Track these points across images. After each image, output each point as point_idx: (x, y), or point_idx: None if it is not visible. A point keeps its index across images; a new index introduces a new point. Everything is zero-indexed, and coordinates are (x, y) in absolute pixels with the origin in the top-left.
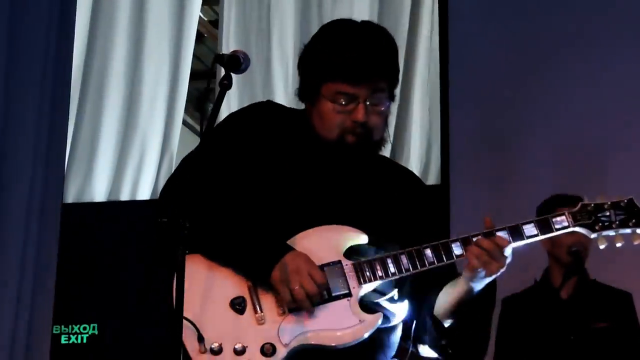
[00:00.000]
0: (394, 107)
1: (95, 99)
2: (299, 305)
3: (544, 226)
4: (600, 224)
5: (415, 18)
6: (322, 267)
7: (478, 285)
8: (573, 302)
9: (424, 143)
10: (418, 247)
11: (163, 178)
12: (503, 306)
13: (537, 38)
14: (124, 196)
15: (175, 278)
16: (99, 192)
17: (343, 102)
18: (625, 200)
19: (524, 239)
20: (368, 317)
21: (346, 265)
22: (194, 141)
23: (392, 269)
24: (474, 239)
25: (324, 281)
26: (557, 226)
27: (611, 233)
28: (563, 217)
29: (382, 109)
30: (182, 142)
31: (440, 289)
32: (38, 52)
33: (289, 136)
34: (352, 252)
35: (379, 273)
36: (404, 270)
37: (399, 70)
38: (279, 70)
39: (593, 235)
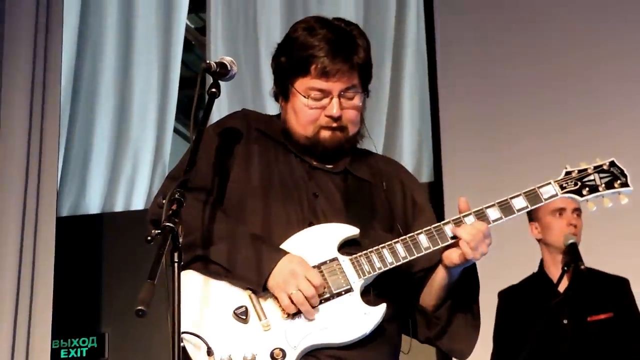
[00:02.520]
0: (384, 105)
1: (86, 111)
2: (299, 309)
3: (533, 198)
4: (587, 189)
5: (401, 16)
6: (319, 266)
7: (458, 269)
8: (571, 295)
9: (416, 140)
10: (412, 234)
11: (156, 187)
12: (500, 299)
13: (527, 27)
14: (119, 207)
15: (170, 290)
16: (93, 205)
17: (316, 98)
18: (607, 163)
19: (514, 213)
20: (372, 309)
21: (343, 260)
22: (185, 149)
23: (389, 258)
24: (465, 219)
25: (320, 282)
26: (545, 196)
27: (599, 196)
28: (550, 187)
29: (356, 103)
30: (174, 150)
31: (426, 280)
32: (26, 69)
33: (266, 140)
34: (347, 247)
35: (377, 264)
36: (401, 259)
37: (371, 65)
38: (268, 74)
39: (581, 200)
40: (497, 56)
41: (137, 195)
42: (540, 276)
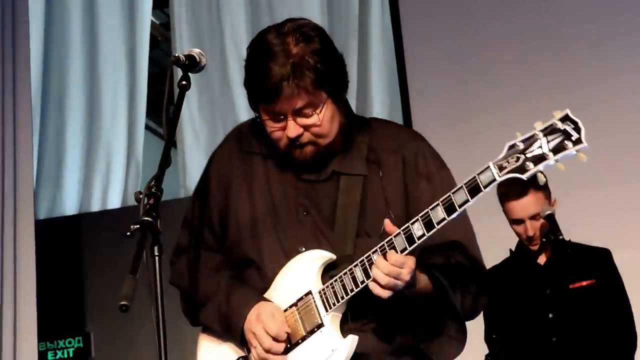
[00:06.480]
0: (353, 82)
1: (56, 113)
2: None
3: (473, 189)
4: (531, 162)
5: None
6: (296, 303)
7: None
8: (552, 266)
9: (386, 114)
10: (369, 254)
11: (131, 184)
12: None
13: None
14: (95, 207)
15: (153, 283)
16: (69, 206)
17: (274, 120)
18: (559, 119)
19: (457, 210)
20: (340, 343)
21: (316, 293)
22: (158, 145)
23: (349, 285)
24: (395, 239)
25: (276, 331)
26: (484, 184)
27: (549, 164)
28: (488, 172)
29: (313, 121)
30: (147, 147)
31: None
32: None
33: (256, 160)
34: (340, 266)
35: (340, 293)
36: (360, 284)
37: (322, 75)
38: (234, 65)
39: (524, 176)
40: (463, 23)
41: (112, 193)
42: (519, 253)
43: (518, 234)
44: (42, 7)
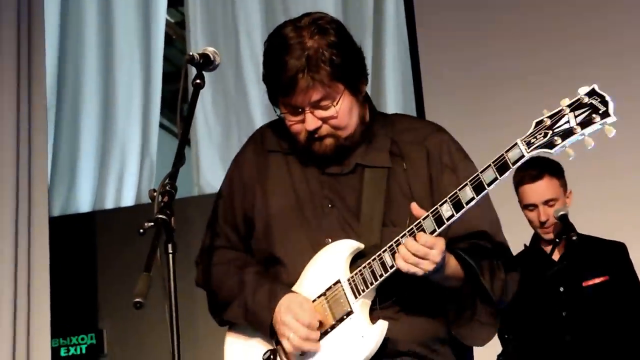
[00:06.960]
0: (367, 87)
1: (71, 110)
2: (300, 351)
3: (501, 166)
4: (559, 137)
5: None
6: (325, 293)
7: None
8: (565, 263)
9: (400, 111)
10: (397, 238)
11: (145, 182)
12: None
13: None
14: (109, 204)
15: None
16: (83, 203)
17: (292, 113)
18: (585, 93)
19: (485, 188)
20: (369, 329)
21: (344, 282)
22: (172, 143)
23: (378, 271)
24: (425, 222)
25: (309, 320)
26: (512, 161)
27: (576, 139)
28: (516, 149)
29: (331, 114)
30: (161, 145)
31: None
32: (10, 72)
33: (279, 158)
34: (366, 256)
35: (369, 279)
36: (389, 269)
37: (338, 67)
38: (249, 63)
39: (554, 152)
40: (478, 20)
41: (126, 191)
42: (534, 248)
43: (530, 221)
44: (58, 6)
